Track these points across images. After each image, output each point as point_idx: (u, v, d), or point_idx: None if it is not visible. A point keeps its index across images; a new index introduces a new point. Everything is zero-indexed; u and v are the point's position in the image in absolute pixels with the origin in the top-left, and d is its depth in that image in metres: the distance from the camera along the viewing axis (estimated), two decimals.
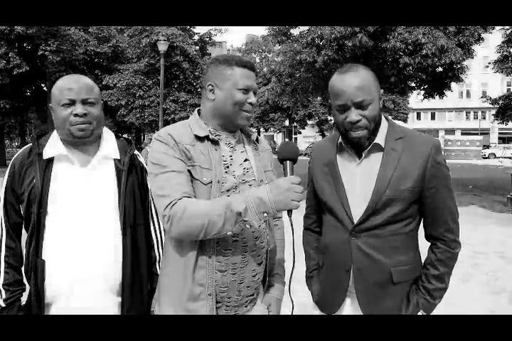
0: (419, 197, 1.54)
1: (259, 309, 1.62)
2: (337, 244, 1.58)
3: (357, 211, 1.54)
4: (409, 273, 1.58)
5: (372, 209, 1.50)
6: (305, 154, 41.36)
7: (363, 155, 1.56)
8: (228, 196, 1.47)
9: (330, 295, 1.64)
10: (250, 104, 1.54)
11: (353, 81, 1.46)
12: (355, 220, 1.53)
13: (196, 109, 1.65)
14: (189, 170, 1.47)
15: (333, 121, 32.63)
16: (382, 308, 1.54)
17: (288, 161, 1.42)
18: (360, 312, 1.57)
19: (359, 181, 1.55)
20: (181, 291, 1.48)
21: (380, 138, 1.55)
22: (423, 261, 1.64)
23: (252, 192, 1.38)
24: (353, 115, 1.46)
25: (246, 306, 1.57)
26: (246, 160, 1.60)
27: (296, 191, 1.33)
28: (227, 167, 1.53)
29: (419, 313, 1.57)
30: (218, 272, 1.47)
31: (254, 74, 1.57)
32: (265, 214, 1.36)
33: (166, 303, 1.54)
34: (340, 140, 1.61)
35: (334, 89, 1.50)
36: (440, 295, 1.59)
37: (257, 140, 1.69)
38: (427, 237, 1.65)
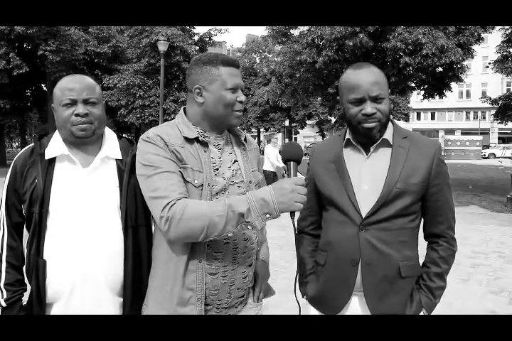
0: (424, 195, 1.58)
1: (250, 309, 1.61)
2: (344, 239, 1.58)
3: (364, 205, 1.55)
4: (414, 269, 1.61)
5: (383, 201, 1.53)
6: (305, 154, 41.43)
7: (372, 150, 1.59)
8: (217, 199, 1.45)
9: (333, 294, 1.62)
10: (240, 102, 1.53)
11: (370, 76, 1.54)
12: (364, 214, 1.55)
13: (182, 108, 1.61)
14: (181, 172, 1.45)
15: (333, 121, 32.59)
16: (389, 305, 1.55)
17: (292, 162, 1.42)
18: (367, 311, 1.57)
19: (367, 175, 1.58)
20: (170, 295, 1.47)
21: (387, 135, 1.60)
22: (421, 261, 1.66)
23: (255, 193, 1.36)
24: (369, 108, 1.52)
25: (236, 307, 1.56)
26: (235, 161, 1.59)
27: (299, 193, 1.33)
28: (217, 169, 1.52)
29: (422, 312, 1.58)
30: (209, 275, 1.46)
31: (239, 71, 1.55)
32: (268, 216, 1.34)
33: (155, 307, 1.52)
34: (348, 136, 1.64)
35: (350, 83, 1.55)
36: (440, 294, 1.61)
37: (245, 140, 1.67)
38: (427, 236, 1.67)
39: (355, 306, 1.60)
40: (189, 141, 1.50)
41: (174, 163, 1.44)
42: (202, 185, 1.45)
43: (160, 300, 1.50)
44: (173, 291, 1.46)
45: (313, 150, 1.79)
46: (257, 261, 1.68)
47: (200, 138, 1.50)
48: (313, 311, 1.72)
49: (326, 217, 1.69)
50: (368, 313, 1.57)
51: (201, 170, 1.46)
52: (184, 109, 1.60)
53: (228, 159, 1.57)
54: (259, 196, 1.34)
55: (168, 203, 1.36)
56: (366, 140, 1.59)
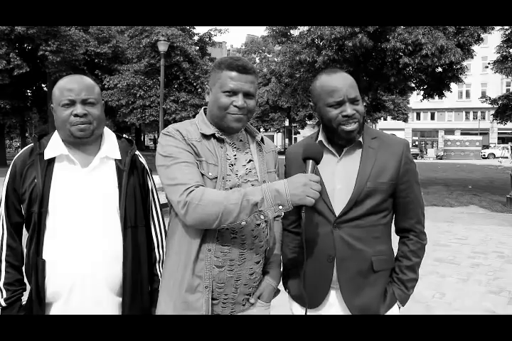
0: (394, 191, 1.65)
1: (256, 309, 1.62)
2: (320, 236, 1.65)
3: (338, 204, 1.62)
4: (387, 263, 1.68)
5: (355, 201, 1.60)
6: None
7: (344, 151, 1.66)
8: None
9: (314, 288, 1.67)
10: (236, 106, 1.53)
11: (346, 79, 1.61)
12: (337, 213, 1.61)
13: (202, 108, 1.68)
14: (197, 164, 1.51)
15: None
16: (364, 298, 1.61)
17: (310, 160, 1.48)
18: (344, 304, 1.62)
19: (339, 176, 1.64)
20: (180, 282, 1.52)
21: (359, 137, 1.67)
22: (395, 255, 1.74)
23: (270, 184, 1.43)
24: (349, 109, 1.58)
25: (244, 305, 1.59)
26: (250, 161, 1.63)
27: (313, 188, 1.38)
28: (231, 165, 1.56)
29: (396, 304, 1.66)
30: (216, 267, 1.50)
31: (245, 76, 1.53)
32: (280, 207, 1.39)
33: (165, 294, 1.57)
34: (320, 138, 1.70)
35: (328, 87, 1.60)
36: (413, 285, 1.69)
37: (262, 140, 1.71)
38: (398, 231, 1.75)
39: (333, 300, 1.66)
40: (206, 137, 1.56)
41: (192, 155, 1.51)
42: (216, 178, 1.51)
43: (170, 288, 1.55)
44: (183, 278, 1.51)
45: (289, 153, 1.84)
46: (269, 262, 1.71)
47: (216, 135, 1.56)
48: (295, 306, 1.77)
49: (303, 216, 1.73)
50: (345, 306, 1.62)
51: (216, 163, 1.52)
52: (205, 109, 1.67)
53: (243, 158, 1.62)
54: (274, 187, 1.40)
55: (186, 189, 1.42)
56: (346, 142, 1.65)
